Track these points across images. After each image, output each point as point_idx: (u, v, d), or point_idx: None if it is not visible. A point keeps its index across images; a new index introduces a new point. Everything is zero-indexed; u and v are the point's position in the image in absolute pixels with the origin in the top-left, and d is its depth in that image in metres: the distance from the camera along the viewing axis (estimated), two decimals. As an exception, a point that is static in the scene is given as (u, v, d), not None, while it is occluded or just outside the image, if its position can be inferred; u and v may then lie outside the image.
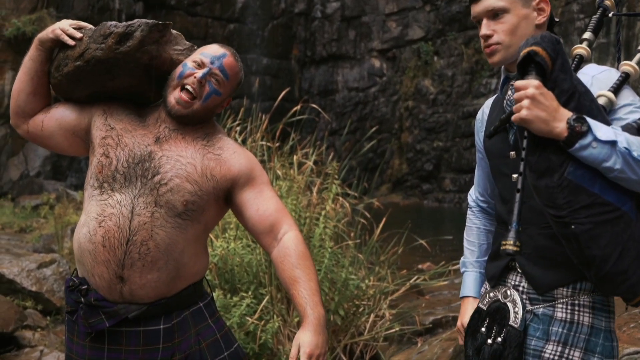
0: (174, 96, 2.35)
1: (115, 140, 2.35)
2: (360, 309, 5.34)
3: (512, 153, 2.17)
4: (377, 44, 22.22)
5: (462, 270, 2.59)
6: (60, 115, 2.49)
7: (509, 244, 1.88)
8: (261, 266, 4.98)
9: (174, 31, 2.49)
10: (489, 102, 2.44)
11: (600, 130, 1.88)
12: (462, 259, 2.59)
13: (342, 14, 22.23)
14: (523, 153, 1.94)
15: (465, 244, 2.59)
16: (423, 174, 21.09)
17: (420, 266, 8.64)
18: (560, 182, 1.90)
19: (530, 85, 1.89)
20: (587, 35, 2.21)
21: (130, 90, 2.47)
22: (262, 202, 2.39)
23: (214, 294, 4.64)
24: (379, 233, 5.87)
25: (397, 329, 5.32)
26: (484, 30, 2.19)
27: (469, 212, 2.60)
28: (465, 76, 21.17)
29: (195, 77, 2.33)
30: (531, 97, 1.88)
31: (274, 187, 5.37)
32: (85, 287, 2.31)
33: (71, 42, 2.37)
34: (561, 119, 1.88)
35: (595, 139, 1.87)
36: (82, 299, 2.30)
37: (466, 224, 2.60)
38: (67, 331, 2.42)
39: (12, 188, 14.29)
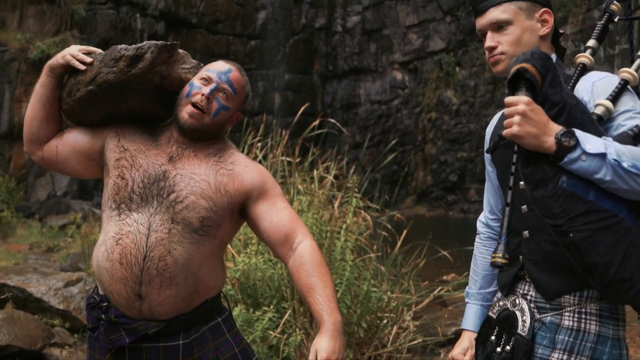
0: (186, 111, 2.39)
1: (130, 161, 2.40)
2: (384, 322, 5.35)
3: None
4: (399, 57, 22.27)
5: (465, 299, 2.60)
6: (74, 140, 2.53)
7: (498, 257, 1.92)
8: (283, 280, 5.01)
9: (180, 50, 2.54)
10: (497, 116, 2.47)
11: (590, 143, 1.90)
12: (467, 288, 2.60)
13: (362, 27, 22.31)
14: (512, 167, 1.98)
15: (471, 272, 2.59)
16: (448, 185, 21.05)
17: (444, 277, 8.64)
18: (555, 191, 1.92)
19: (521, 101, 1.92)
20: (591, 43, 2.22)
21: (142, 111, 2.52)
22: (275, 213, 2.43)
23: (236, 308, 4.68)
24: (402, 245, 5.88)
25: (420, 340, 5.33)
26: (489, 42, 2.23)
27: (476, 239, 2.59)
28: (488, 86, 21.14)
29: (203, 95, 2.38)
30: (522, 114, 1.91)
31: (295, 201, 5.42)
32: (106, 304, 2.36)
33: (82, 67, 2.42)
34: (550, 134, 1.91)
35: (584, 152, 1.89)
36: (103, 316, 2.35)
37: (474, 251, 2.60)
38: (89, 347, 2.47)
39: (39, 208, 14.49)
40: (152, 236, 2.29)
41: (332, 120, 6.70)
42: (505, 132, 1.96)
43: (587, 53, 2.19)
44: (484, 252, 2.55)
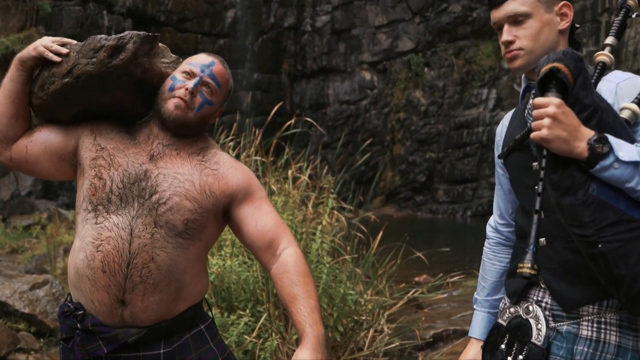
0: (172, 102, 2.26)
1: (108, 160, 2.26)
2: (359, 324, 5.27)
3: (535, 164, 2.08)
4: (368, 57, 22.24)
5: (474, 305, 2.52)
6: (45, 139, 2.36)
7: (526, 267, 1.80)
8: (258, 283, 4.91)
9: (160, 44, 2.42)
10: (508, 116, 2.36)
11: (623, 150, 1.81)
12: (475, 294, 2.52)
13: (331, 27, 22.25)
14: (542, 173, 1.87)
15: (479, 278, 2.50)
16: (416, 186, 21.06)
17: (417, 279, 8.58)
18: (585, 199, 1.82)
19: (552, 103, 1.81)
20: (609, 40, 2.10)
21: (120, 106, 2.37)
22: (260, 217, 2.32)
23: (210, 312, 4.56)
24: (375, 246, 5.80)
25: (397, 343, 5.25)
26: (506, 36, 2.11)
27: (486, 244, 2.49)
28: (456, 87, 21.21)
29: (186, 89, 2.26)
30: (552, 116, 1.80)
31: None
32: (82, 312, 2.22)
33: (57, 59, 2.26)
34: (582, 139, 1.81)
35: (617, 159, 1.80)
36: (79, 325, 2.21)
37: (482, 256, 2.51)
38: (62, 359, 2.33)
39: (3, 208, 14.17)
40: (134, 242, 2.16)
41: (308, 119, 6.60)
42: (533, 134, 1.85)
43: (606, 51, 2.07)
44: (492, 258, 2.45)
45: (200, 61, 2.34)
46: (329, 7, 22.23)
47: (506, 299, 2.26)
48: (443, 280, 6.14)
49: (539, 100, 1.85)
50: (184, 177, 2.25)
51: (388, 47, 22.06)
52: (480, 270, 2.50)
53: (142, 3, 18.10)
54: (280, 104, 7.51)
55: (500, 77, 20.81)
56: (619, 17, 2.14)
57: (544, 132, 1.82)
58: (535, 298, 2.12)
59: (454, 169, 20.49)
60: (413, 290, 5.91)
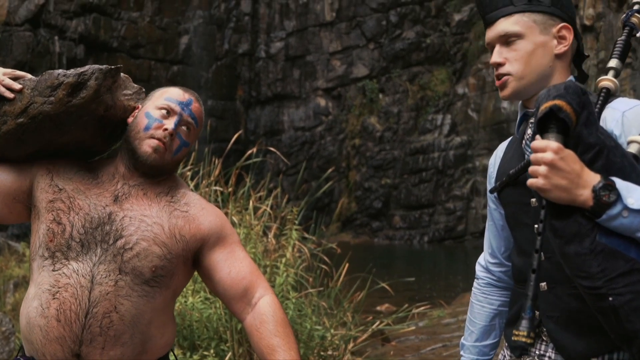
0: (149, 144, 2.08)
1: (67, 203, 2.06)
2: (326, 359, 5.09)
3: (534, 200, 1.91)
4: (322, 83, 22.26)
5: (460, 350, 2.34)
6: None
7: (522, 335, 1.63)
8: (221, 320, 4.71)
9: (121, 74, 2.22)
10: (502, 146, 2.18)
11: (633, 197, 1.63)
12: (462, 339, 2.34)
13: (286, 53, 22.24)
14: (540, 226, 1.68)
15: (467, 320, 2.32)
16: (372, 212, 21.04)
17: (378, 307, 8.44)
18: (593, 247, 1.63)
19: (549, 148, 1.63)
20: (613, 63, 1.92)
21: (78, 145, 2.18)
22: (233, 263, 2.15)
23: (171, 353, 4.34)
24: (338, 277, 5.63)
25: (368, 379, 5.08)
26: (495, 57, 1.95)
27: (475, 284, 2.32)
28: (411, 112, 21.33)
29: (165, 129, 2.08)
30: (549, 164, 1.62)
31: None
32: None
33: (10, 95, 2.06)
34: (585, 185, 1.63)
35: (626, 207, 1.62)
36: None
37: (471, 298, 2.34)
38: None
39: (-52, 241, 13.71)
40: (95, 289, 1.96)
41: (272, 149, 6.47)
42: (529, 182, 1.67)
43: (610, 75, 1.89)
44: (482, 300, 2.27)
45: (178, 97, 2.16)
46: (283, 33, 22.23)
47: (506, 351, 2.08)
48: (408, 311, 5.99)
49: (536, 144, 1.67)
50: (152, 219, 2.07)
51: (342, 73, 22.12)
52: (469, 313, 2.32)
53: (94, 29, 17.86)
54: (240, 132, 7.32)
55: (455, 103, 20.99)
56: (622, 37, 1.96)
57: (540, 182, 1.65)
58: (537, 352, 1.95)
59: (410, 195, 20.53)
60: (378, 322, 5.75)
